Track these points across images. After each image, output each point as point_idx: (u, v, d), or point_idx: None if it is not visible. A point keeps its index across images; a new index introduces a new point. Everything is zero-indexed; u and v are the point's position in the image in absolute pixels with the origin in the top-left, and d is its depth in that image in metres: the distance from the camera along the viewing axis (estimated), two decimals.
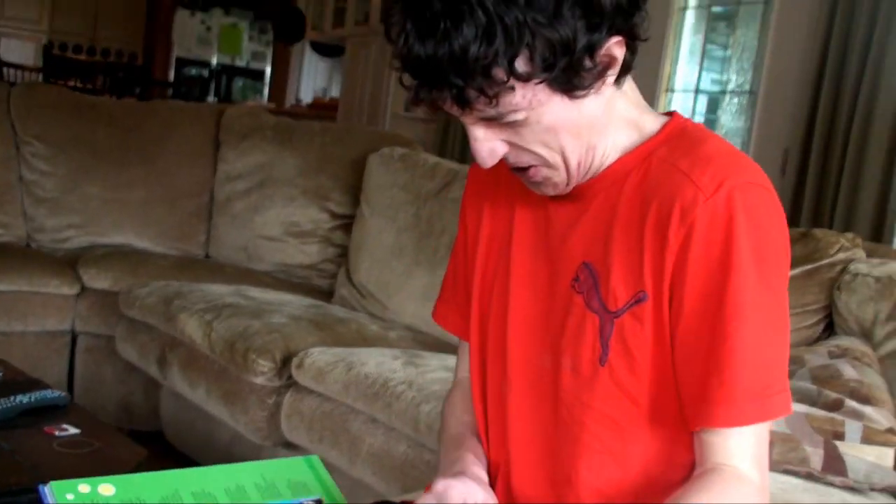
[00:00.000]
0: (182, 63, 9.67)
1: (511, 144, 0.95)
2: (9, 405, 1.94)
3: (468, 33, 0.84)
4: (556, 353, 1.01)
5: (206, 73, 9.70)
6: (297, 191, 3.48)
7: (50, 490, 0.96)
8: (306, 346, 2.41)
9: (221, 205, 3.61)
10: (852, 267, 2.15)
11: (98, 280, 3.09)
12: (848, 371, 1.96)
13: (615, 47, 0.91)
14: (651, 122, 1.01)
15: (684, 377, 0.93)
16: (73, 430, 1.91)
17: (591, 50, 0.89)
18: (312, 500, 1.08)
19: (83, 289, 3.09)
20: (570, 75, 0.89)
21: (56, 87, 3.72)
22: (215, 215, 3.63)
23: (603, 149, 0.98)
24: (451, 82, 0.87)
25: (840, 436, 1.81)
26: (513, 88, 0.88)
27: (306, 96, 9.00)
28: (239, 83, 9.83)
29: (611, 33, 0.90)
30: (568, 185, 0.99)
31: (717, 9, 4.66)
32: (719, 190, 0.90)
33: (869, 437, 1.81)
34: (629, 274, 0.95)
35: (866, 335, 2.08)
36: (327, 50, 8.04)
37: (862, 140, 3.36)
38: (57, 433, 1.89)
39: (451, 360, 2.45)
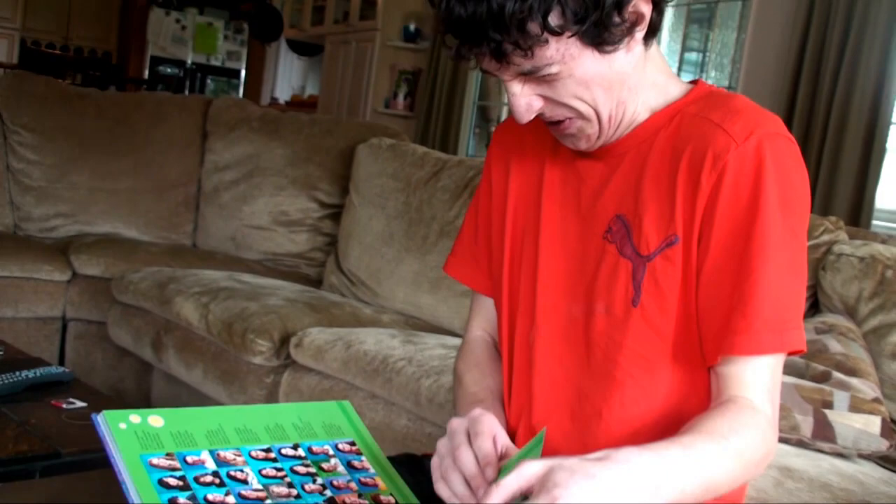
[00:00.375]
0: (156, 62, 9.64)
1: (546, 99, 1.00)
2: (15, 380, 1.96)
3: None
4: (589, 299, 1.07)
5: (180, 71, 9.67)
6: (286, 180, 3.51)
7: (103, 419, 0.99)
8: (303, 327, 2.44)
9: (209, 195, 3.64)
10: (836, 248, 2.23)
11: (89, 266, 3.10)
12: (834, 345, 2.04)
13: (642, 3, 0.97)
14: (677, 86, 1.08)
15: (708, 311, 0.99)
16: (80, 404, 1.94)
17: (620, 6, 0.94)
18: (346, 442, 1.12)
19: (74, 275, 3.11)
20: (600, 29, 0.94)
21: (44, 78, 3.72)
22: (203, 205, 3.66)
23: (634, 106, 1.04)
24: (490, 37, 0.92)
25: (829, 405, 1.88)
26: (547, 41, 0.93)
27: (282, 95, 9.01)
28: (213, 82, 9.81)
29: None
30: (599, 138, 1.05)
31: (696, 6, 4.75)
32: (750, 138, 0.96)
33: (856, 406, 1.88)
34: (660, 219, 1.01)
35: (850, 312, 2.15)
36: (304, 48, 8.06)
37: (839, 134, 3.46)
38: (64, 406, 1.92)
39: (448, 339, 2.51)
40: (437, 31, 1.00)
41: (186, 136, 3.70)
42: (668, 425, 1.01)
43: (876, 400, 1.91)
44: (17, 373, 2.00)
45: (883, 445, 1.85)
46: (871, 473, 1.83)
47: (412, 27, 5.92)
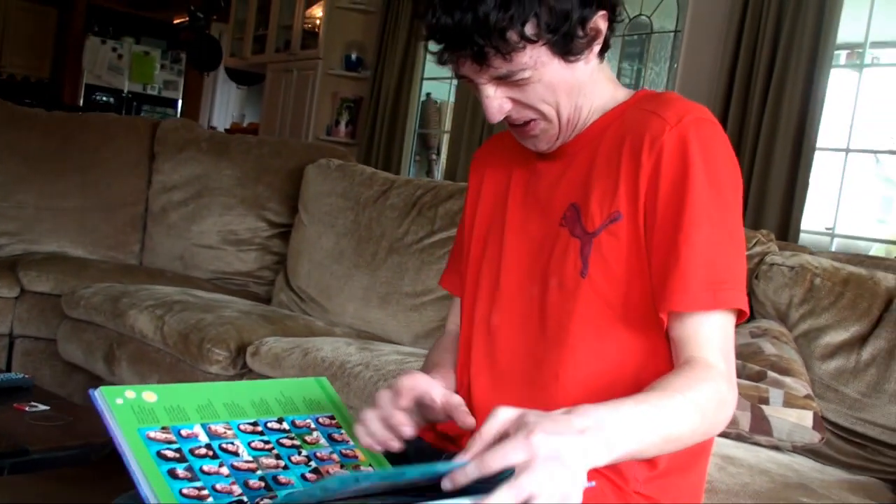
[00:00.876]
0: (91, 90, 9.57)
1: (515, 101, 1.14)
2: None
3: (490, 2, 1.04)
4: (544, 277, 1.18)
5: (113, 100, 9.61)
6: (235, 200, 3.56)
7: (101, 394, 1.03)
8: (259, 337, 2.50)
9: (156, 215, 3.66)
10: (768, 258, 2.36)
11: (38, 283, 3.10)
12: (768, 348, 2.17)
13: (600, 20, 1.12)
14: (623, 92, 1.23)
15: (653, 275, 1.10)
16: (42, 407, 1.97)
17: (584, 21, 1.09)
18: (326, 416, 1.19)
19: (22, 291, 3.10)
20: (567, 41, 1.09)
21: None
22: (150, 225, 3.68)
23: (588, 109, 1.18)
24: (474, 42, 1.05)
25: (765, 401, 2.00)
26: (523, 48, 1.06)
27: (220, 123, 9.02)
28: (149, 111, 9.76)
29: (599, 8, 1.11)
30: (558, 139, 1.19)
31: (629, 38, 4.94)
32: (682, 120, 1.10)
33: (790, 402, 2.00)
34: (604, 200, 1.13)
35: (782, 318, 2.28)
36: (243, 77, 8.10)
37: (766, 159, 3.63)
38: (27, 409, 1.95)
39: (402, 347, 2.58)
40: (422, 38, 1.13)
41: (134, 156, 3.73)
42: (625, 388, 1.10)
43: (808, 397, 2.04)
44: None
45: (815, 438, 1.98)
46: (804, 463, 1.95)
47: (353, 56, 6.02)
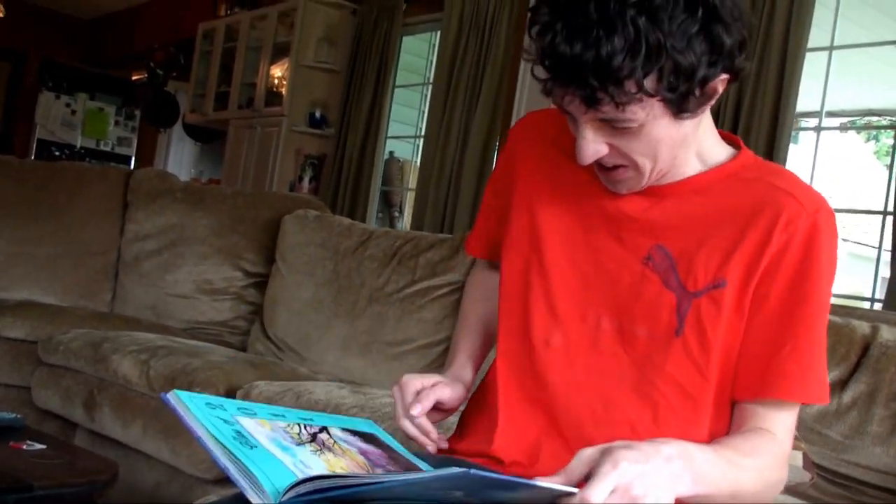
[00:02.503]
0: (44, 145, 9.47)
1: (612, 147, 1.07)
2: None
3: (617, 44, 0.95)
4: (627, 319, 1.15)
5: (68, 156, 9.52)
6: (211, 250, 3.56)
7: (174, 395, 1.07)
8: (248, 381, 2.49)
9: (129, 263, 3.64)
10: None
11: (13, 329, 3.06)
12: None
13: (720, 83, 1.05)
14: (724, 149, 1.19)
15: (755, 353, 1.11)
16: (39, 446, 1.95)
17: (705, 82, 1.02)
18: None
19: None
20: (684, 99, 1.02)
21: None
22: (122, 273, 3.66)
23: (684, 161, 1.14)
24: (588, 83, 0.98)
25: None
26: (640, 101, 0.99)
27: None
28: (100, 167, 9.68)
29: (722, 71, 1.04)
30: (643, 186, 1.14)
31: None
32: (819, 210, 1.11)
33: None
34: (711, 263, 1.11)
35: None
36: (200, 134, 8.11)
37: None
38: (25, 447, 1.93)
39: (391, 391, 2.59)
40: (527, 59, 1.05)
41: (106, 204, 3.72)
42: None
43: (796, 437, 2.10)
44: None
45: (806, 477, 2.03)
46: (797, 502, 2.01)
47: (318, 114, 6.08)
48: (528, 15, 1.05)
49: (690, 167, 1.15)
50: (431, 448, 1.20)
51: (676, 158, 1.12)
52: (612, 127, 1.04)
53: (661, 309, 1.12)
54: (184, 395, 1.07)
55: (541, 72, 1.03)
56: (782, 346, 1.09)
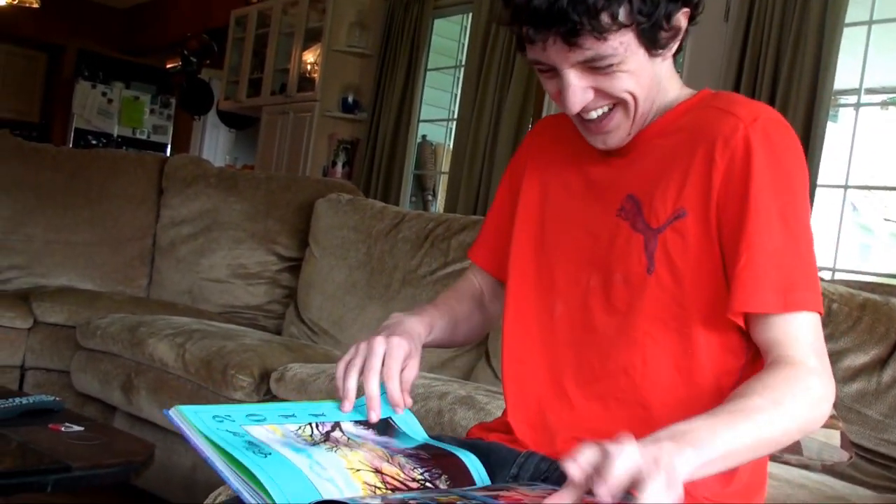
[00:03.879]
0: (81, 134, 9.58)
1: (597, 91, 1.14)
2: (11, 405, 1.99)
3: None
4: (606, 270, 1.19)
5: (105, 144, 9.63)
6: (245, 234, 3.58)
7: (176, 412, 1.03)
8: (282, 363, 2.50)
9: (165, 249, 3.68)
10: None
11: (52, 314, 3.10)
12: None
13: (682, 17, 1.15)
14: (687, 91, 1.25)
15: (727, 274, 1.11)
16: (77, 428, 1.97)
17: (669, 16, 1.12)
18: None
19: (35, 323, 3.10)
20: (654, 31, 1.11)
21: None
22: (158, 259, 3.69)
23: (657, 105, 1.20)
24: (569, 18, 1.06)
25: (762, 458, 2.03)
26: (617, 30, 1.08)
27: None
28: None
29: (683, 5, 1.14)
30: (629, 134, 1.20)
31: None
32: (756, 120, 1.12)
33: None
34: (669, 195, 1.14)
35: None
36: (234, 121, 8.16)
37: None
38: (63, 429, 1.95)
39: (425, 372, 2.59)
40: (502, 21, 1.14)
41: (142, 191, 3.76)
42: (702, 385, 1.14)
43: (834, 417, 2.07)
44: (12, 399, 2.02)
45: (844, 456, 2.01)
46: (835, 483, 1.98)
47: (350, 98, 6.08)
48: None
49: (658, 112, 1.21)
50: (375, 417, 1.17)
51: (653, 102, 1.18)
52: (594, 69, 1.12)
53: (632, 253, 1.16)
54: (187, 410, 1.03)
55: (518, 29, 1.12)
56: (737, 261, 1.09)
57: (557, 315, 1.24)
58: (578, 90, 1.13)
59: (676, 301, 1.14)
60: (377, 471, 1.04)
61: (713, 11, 4.07)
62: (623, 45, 1.10)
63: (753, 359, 1.15)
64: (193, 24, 8.47)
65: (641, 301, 1.15)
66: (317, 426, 1.11)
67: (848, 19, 3.50)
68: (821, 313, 1.11)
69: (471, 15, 5.30)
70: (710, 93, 1.23)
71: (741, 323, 1.11)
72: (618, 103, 1.16)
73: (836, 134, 3.76)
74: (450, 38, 5.89)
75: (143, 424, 2.78)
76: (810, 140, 3.62)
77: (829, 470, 2.07)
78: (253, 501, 0.95)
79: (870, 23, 3.70)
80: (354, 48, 6.08)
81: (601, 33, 1.07)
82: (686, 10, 1.15)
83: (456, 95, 5.68)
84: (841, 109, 3.97)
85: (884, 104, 4.68)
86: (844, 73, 3.70)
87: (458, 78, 5.67)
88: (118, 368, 2.81)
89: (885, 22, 3.77)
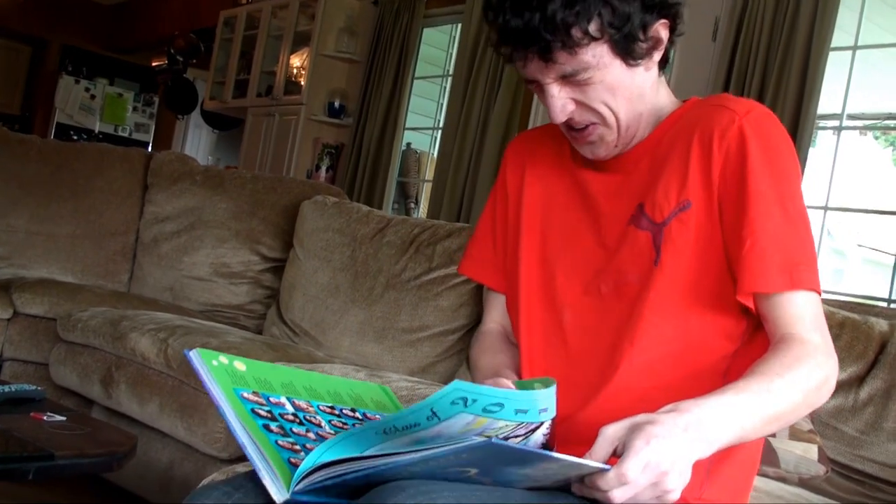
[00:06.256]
0: (62, 128, 9.52)
1: (578, 103, 1.19)
2: None
3: (556, 2, 1.11)
4: (618, 274, 1.22)
5: (86, 140, 9.57)
6: (229, 233, 3.58)
7: (196, 355, 1.06)
8: (266, 361, 2.50)
9: (148, 245, 3.67)
10: None
11: (32, 306, 3.08)
12: None
13: (661, 28, 1.18)
14: (677, 102, 1.29)
15: (731, 260, 1.15)
16: (59, 417, 1.96)
17: (645, 26, 1.16)
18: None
19: (15, 314, 3.08)
20: (628, 42, 1.15)
21: None
22: (140, 254, 3.68)
23: (648, 117, 1.24)
24: (541, 38, 1.12)
25: (771, 433, 2.06)
26: (587, 44, 1.13)
27: None
28: None
29: (660, 16, 1.17)
30: (616, 146, 1.24)
31: None
32: (750, 112, 1.17)
33: (795, 435, 2.07)
34: (672, 190, 1.18)
35: None
36: (218, 121, 8.14)
37: None
38: (45, 418, 1.94)
39: (408, 376, 2.60)
40: (490, 42, 1.21)
41: (127, 186, 3.74)
42: (704, 372, 1.17)
43: (811, 431, 2.10)
44: None
45: (821, 470, 2.04)
46: (810, 496, 2.01)
47: (337, 103, 6.09)
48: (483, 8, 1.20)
49: (651, 125, 1.25)
50: None
51: (639, 115, 1.22)
52: (573, 82, 1.17)
53: (642, 251, 1.20)
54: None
55: (503, 48, 1.17)
56: (742, 246, 1.13)
57: (566, 324, 1.27)
58: (559, 102, 1.19)
59: (679, 288, 1.17)
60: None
61: (701, 31, 4.12)
62: (596, 58, 1.15)
63: (747, 343, 1.19)
64: (181, 24, 8.45)
65: (648, 291, 1.18)
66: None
67: (833, 44, 3.56)
68: (819, 293, 1.15)
69: (460, 25, 5.33)
70: (698, 99, 1.27)
71: (751, 304, 1.14)
72: (598, 117, 1.20)
73: (813, 158, 3.81)
74: (438, 47, 5.92)
75: (119, 419, 2.77)
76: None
77: (806, 483, 2.10)
78: (259, 466, 0.97)
79: (854, 48, 3.76)
80: (343, 53, 6.10)
81: (572, 48, 1.12)
82: (664, 21, 1.18)
83: (442, 105, 5.70)
84: (820, 132, 4.02)
85: (863, 130, 4.74)
86: (826, 100, 3.75)
87: (445, 87, 5.70)
88: (98, 362, 2.79)
89: (869, 48, 3.83)
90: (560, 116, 1.20)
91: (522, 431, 0.99)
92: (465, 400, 0.90)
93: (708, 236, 1.16)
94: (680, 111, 1.25)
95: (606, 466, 0.95)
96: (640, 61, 1.18)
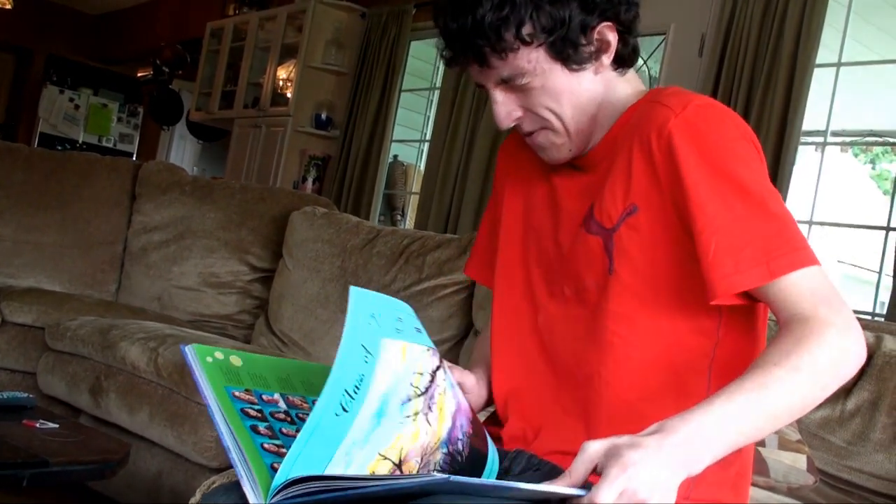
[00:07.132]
0: (46, 138, 9.48)
1: (523, 109, 1.18)
2: None
3: (486, 5, 1.09)
4: (576, 279, 1.21)
5: (70, 150, 9.54)
6: (218, 243, 3.58)
7: (192, 351, 1.06)
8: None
9: (136, 254, 3.66)
10: None
11: (20, 314, 3.07)
12: None
13: (607, 31, 1.14)
14: (639, 93, 1.22)
15: (703, 268, 1.08)
16: (51, 425, 1.96)
17: (585, 28, 1.13)
18: None
19: (3, 322, 3.06)
20: (566, 45, 1.12)
21: None
22: (128, 264, 3.67)
23: (606, 118, 1.20)
24: (473, 43, 1.11)
25: (761, 443, 2.08)
26: (518, 48, 1.11)
27: None
28: None
29: (602, 18, 1.14)
30: (570, 150, 1.21)
31: None
32: (686, 108, 1.10)
33: (784, 445, 2.09)
34: (618, 194, 1.14)
35: None
36: (204, 132, 8.13)
37: None
38: (38, 426, 1.94)
39: None
40: (439, 49, 1.21)
41: (115, 195, 3.74)
42: (679, 373, 1.15)
43: (799, 441, 2.13)
44: None
45: (810, 479, 2.06)
46: None
47: (324, 115, 6.11)
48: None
49: (612, 121, 1.20)
50: None
51: (594, 119, 1.19)
52: (514, 87, 1.15)
53: (594, 257, 1.17)
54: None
55: (448, 52, 1.17)
56: (708, 251, 1.06)
57: (540, 325, 1.27)
58: (503, 108, 1.18)
59: (637, 295, 1.14)
60: (399, 465, 1.02)
61: (688, 46, 4.17)
62: (532, 63, 1.13)
63: (725, 335, 1.15)
64: (167, 34, 8.44)
65: (607, 301, 1.16)
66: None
67: (817, 61, 3.60)
68: (813, 264, 1.06)
69: None
70: (655, 90, 1.21)
71: (739, 302, 1.09)
72: (543, 122, 1.18)
73: (797, 174, 3.85)
74: (425, 60, 5.95)
75: (108, 428, 2.76)
76: (777, 178, 3.70)
77: (794, 493, 2.12)
78: (242, 472, 0.95)
79: (838, 65, 3.81)
80: (330, 66, 6.11)
81: (503, 52, 1.11)
82: (608, 23, 1.14)
83: (429, 117, 5.72)
84: (801, 148, 4.07)
85: (843, 147, 4.79)
86: (810, 116, 3.80)
87: (432, 100, 5.73)
88: (87, 371, 2.78)
89: (853, 65, 3.88)
90: (505, 122, 1.19)
91: (429, 380, 1.04)
92: (374, 316, 1.02)
93: (663, 239, 1.12)
94: (635, 106, 1.19)
95: (580, 493, 0.92)
96: (584, 66, 1.15)
